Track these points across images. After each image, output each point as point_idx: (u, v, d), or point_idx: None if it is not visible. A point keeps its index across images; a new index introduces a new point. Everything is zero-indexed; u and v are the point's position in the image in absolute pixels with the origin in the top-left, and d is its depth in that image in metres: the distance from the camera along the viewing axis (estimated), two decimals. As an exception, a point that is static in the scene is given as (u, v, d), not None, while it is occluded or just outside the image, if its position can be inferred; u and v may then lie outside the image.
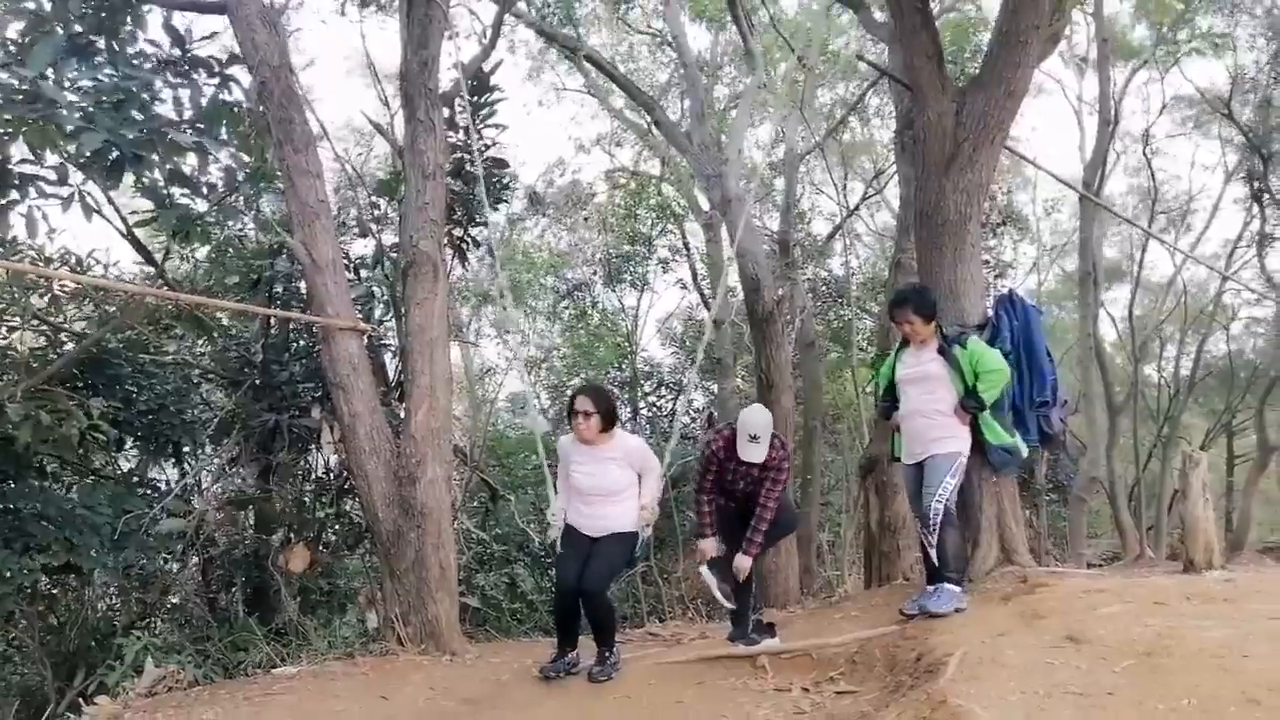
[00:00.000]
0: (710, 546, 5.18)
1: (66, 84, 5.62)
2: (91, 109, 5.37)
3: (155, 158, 5.84)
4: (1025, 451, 5.24)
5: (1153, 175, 17.41)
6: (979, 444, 5.12)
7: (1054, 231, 22.04)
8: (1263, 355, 19.58)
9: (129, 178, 5.99)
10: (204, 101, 6.38)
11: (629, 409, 15.42)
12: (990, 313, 5.66)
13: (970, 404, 4.97)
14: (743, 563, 5.06)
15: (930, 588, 4.88)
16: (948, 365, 5.01)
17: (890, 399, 5.38)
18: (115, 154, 5.51)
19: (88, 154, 5.51)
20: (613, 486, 4.88)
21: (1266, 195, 15.71)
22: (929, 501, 4.90)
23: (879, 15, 9.96)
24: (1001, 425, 5.11)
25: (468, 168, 7.76)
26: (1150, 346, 20.46)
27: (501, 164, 8.14)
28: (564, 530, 4.99)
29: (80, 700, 5.64)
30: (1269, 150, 15.16)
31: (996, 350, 5.12)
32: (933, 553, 4.90)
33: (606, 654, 4.95)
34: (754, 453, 4.86)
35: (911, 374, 5.18)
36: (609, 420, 4.87)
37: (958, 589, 4.83)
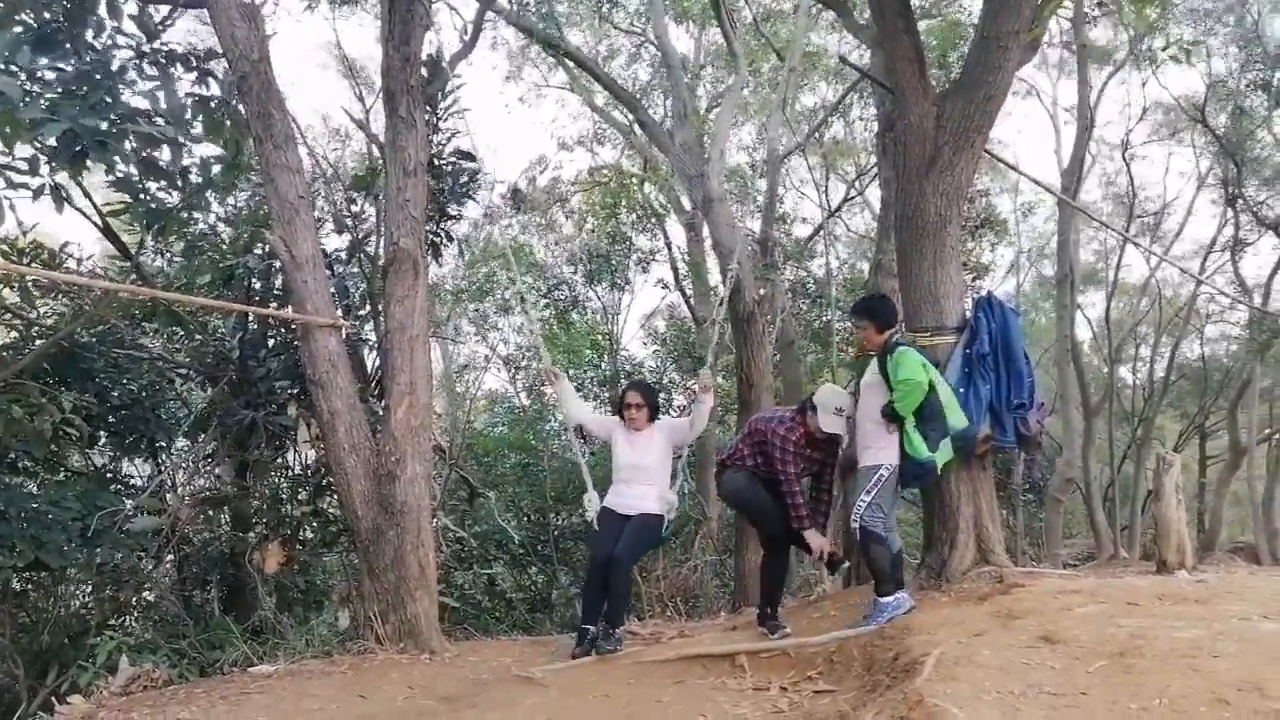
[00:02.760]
0: (819, 539, 5.27)
1: (26, 75, 5.54)
2: (57, 98, 5.31)
3: (129, 145, 5.78)
4: (938, 468, 5.14)
5: (1130, 180, 17.61)
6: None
7: (1032, 235, 22.26)
8: (1235, 359, 19.85)
9: (103, 169, 5.94)
10: (180, 95, 6.33)
11: (612, 408, 15.37)
12: (969, 315, 5.70)
13: (886, 411, 5.03)
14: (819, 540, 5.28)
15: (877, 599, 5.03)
16: (881, 375, 5.11)
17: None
18: (78, 143, 5.45)
19: (51, 143, 5.45)
20: (650, 465, 5.57)
21: (1240, 201, 15.93)
22: (853, 519, 5.06)
23: (861, 18, 10.00)
24: (925, 440, 4.99)
25: (437, 162, 7.71)
26: (1125, 349, 20.71)
27: (468, 157, 8.06)
28: (600, 512, 5.59)
29: (53, 699, 5.56)
30: (1242, 157, 15.36)
31: (918, 360, 5.00)
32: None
33: (612, 631, 5.34)
34: (838, 425, 5.18)
35: (864, 381, 5.34)
36: (654, 411, 5.72)
37: (889, 599, 4.95)
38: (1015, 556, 6.74)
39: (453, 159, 7.83)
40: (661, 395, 15.31)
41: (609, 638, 5.30)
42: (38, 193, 6.04)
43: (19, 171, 5.95)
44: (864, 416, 5.22)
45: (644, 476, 5.56)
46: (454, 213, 8.00)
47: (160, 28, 6.39)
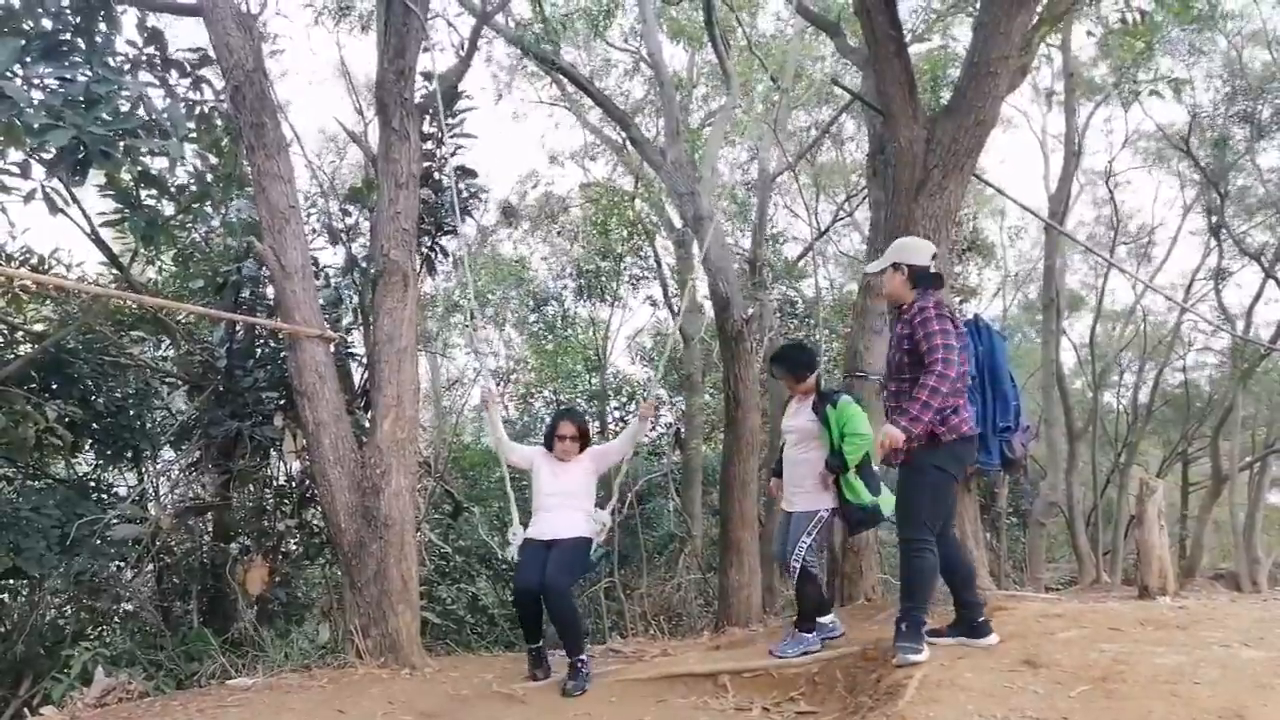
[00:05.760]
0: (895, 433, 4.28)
1: (35, 82, 5.52)
2: (60, 107, 5.28)
3: (129, 155, 5.75)
4: (886, 513, 5.11)
5: (1115, 207, 17.81)
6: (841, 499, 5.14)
7: (1019, 259, 22.46)
8: (1217, 386, 20.03)
9: (97, 178, 5.91)
10: (179, 103, 6.31)
11: (597, 422, 15.43)
12: (956, 338, 5.72)
13: (834, 463, 5.06)
14: (891, 432, 4.25)
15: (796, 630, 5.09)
16: (820, 423, 5.13)
17: None
18: (82, 151, 5.42)
19: (54, 151, 5.42)
20: (573, 489, 5.44)
21: (1224, 230, 16.12)
22: (788, 557, 5.11)
23: (853, 41, 10.11)
24: (866, 484, 5.06)
25: (436, 176, 7.73)
26: (1110, 374, 20.87)
27: (470, 173, 8.10)
28: (522, 544, 5.37)
29: (26, 710, 5.48)
30: (1225, 187, 15.57)
31: (862, 412, 5.13)
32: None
33: (579, 665, 5.03)
34: (871, 264, 4.84)
35: (790, 424, 5.36)
36: (585, 442, 5.60)
37: (809, 636, 5.03)
38: (998, 580, 6.75)
39: (455, 172, 7.85)
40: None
41: (577, 676, 4.96)
42: (28, 197, 6.00)
43: (10, 174, 5.91)
44: (797, 461, 5.24)
45: (567, 501, 5.41)
46: (449, 227, 8.01)
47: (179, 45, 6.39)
